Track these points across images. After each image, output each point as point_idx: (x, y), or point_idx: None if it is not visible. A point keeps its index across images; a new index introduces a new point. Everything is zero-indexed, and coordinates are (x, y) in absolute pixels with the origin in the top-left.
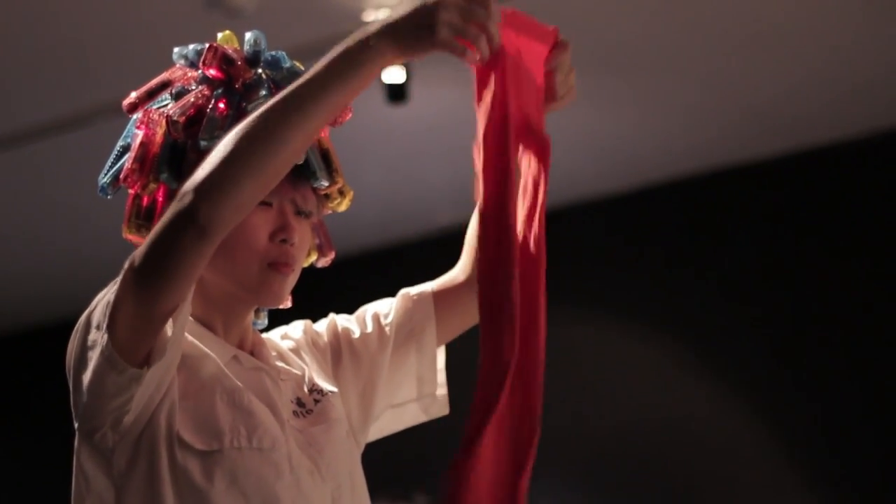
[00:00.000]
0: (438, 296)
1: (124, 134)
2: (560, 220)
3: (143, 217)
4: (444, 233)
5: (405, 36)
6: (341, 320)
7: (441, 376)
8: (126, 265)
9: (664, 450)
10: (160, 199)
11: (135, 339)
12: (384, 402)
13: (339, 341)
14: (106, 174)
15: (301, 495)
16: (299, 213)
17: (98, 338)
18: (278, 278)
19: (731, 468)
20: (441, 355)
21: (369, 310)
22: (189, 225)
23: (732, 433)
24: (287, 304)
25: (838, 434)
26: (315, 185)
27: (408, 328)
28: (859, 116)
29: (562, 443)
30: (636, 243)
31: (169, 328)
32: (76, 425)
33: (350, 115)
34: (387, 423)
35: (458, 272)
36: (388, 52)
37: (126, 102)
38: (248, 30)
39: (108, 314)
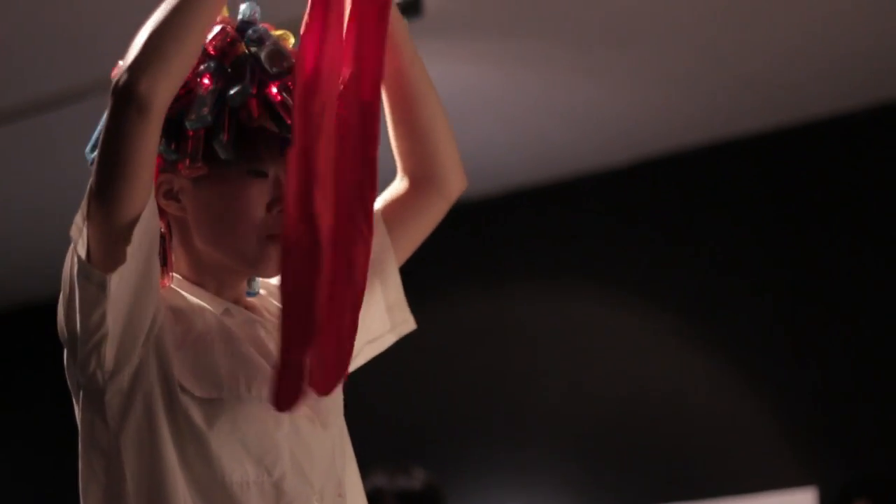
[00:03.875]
0: (388, 215)
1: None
2: (555, 194)
3: None
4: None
5: None
6: None
7: None
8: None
9: (662, 423)
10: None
11: (104, 255)
12: (360, 340)
13: None
14: (95, 146)
15: (301, 444)
16: None
17: (75, 259)
18: (277, 249)
19: (729, 441)
20: None
21: None
22: (130, 103)
23: (730, 406)
24: None
25: (837, 406)
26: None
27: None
28: (857, 87)
29: (559, 417)
30: (633, 217)
31: (134, 239)
32: (72, 374)
33: None
34: (366, 355)
35: (399, 180)
36: None
37: (115, 72)
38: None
39: (82, 232)
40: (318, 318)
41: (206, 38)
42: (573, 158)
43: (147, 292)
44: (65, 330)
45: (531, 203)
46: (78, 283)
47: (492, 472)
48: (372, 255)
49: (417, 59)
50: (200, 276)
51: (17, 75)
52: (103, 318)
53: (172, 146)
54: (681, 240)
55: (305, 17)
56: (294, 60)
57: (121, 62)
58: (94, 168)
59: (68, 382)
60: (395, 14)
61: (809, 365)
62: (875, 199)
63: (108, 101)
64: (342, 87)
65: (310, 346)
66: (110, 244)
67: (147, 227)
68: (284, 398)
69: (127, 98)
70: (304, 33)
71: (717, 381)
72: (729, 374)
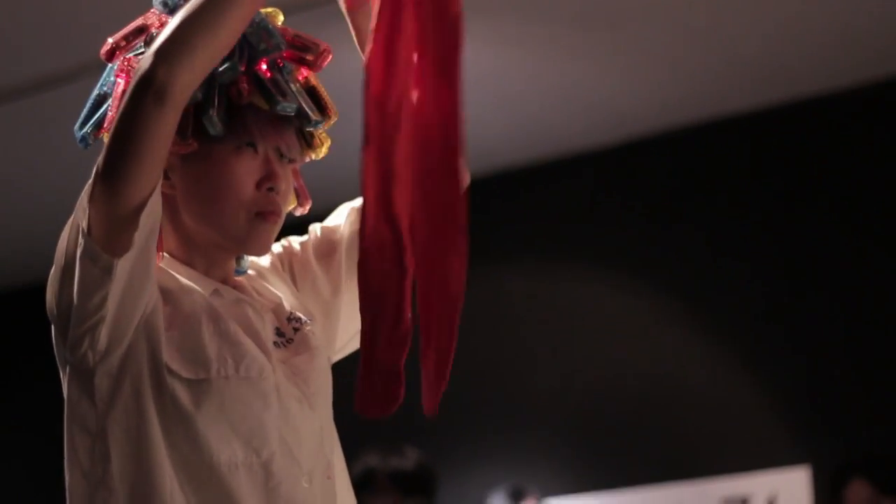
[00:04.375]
0: None
1: (100, 82)
2: (547, 174)
3: None
4: None
5: None
6: (309, 239)
7: None
8: (98, 161)
9: (655, 403)
10: None
11: (108, 237)
12: (349, 331)
13: (300, 262)
14: (85, 124)
15: (289, 425)
16: (283, 159)
17: (76, 238)
18: (266, 227)
19: (722, 421)
20: None
21: (321, 230)
22: (148, 89)
23: (723, 386)
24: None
25: (828, 388)
26: (308, 126)
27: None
28: (848, 66)
29: (552, 398)
30: (624, 197)
31: (140, 225)
32: (61, 354)
33: (330, 58)
34: (354, 345)
35: None
36: None
37: (103, 50)
38: None
39: (86, 212)
40: (405, 322)
41: (237, 37)
42: (564, 138)
43: (145, 276)
44: (55, 308)
45: (521, 183)
46: (80, 264)
47: (484, 452)
48: (352, 245)
49: None
50: (189, 255)
51: (12, 55)
52: (104, 301)
53: None
54: (673, 219)
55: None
56: (302, 40)
57: (110, 39)
58: (104, 148)
59: (56, 358)
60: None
61: (803, 343)
62: (868, 178)
63: (131, 82)
64: (419, 93)
65: (401, 350)
66: (115, 227)
67: (151, 211)
68: (374, 404)
69: (146, 84)
70: (374, 29)
71: (710, 360)
72: (722, 354)
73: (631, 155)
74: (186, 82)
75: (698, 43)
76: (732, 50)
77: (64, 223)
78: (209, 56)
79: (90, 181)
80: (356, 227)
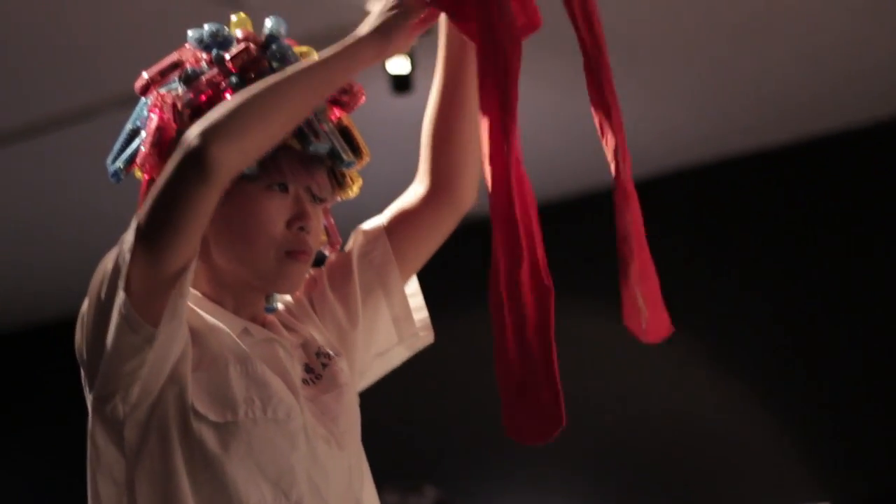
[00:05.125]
0: (394, 229)
1: (133, 117)
2: (566, 211)
3: None
4: (459, 225)
5: (383, 24)
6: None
7: (416, 303)
8: (133, 223)
9: (675, 439)
10: None
11: (147, 300)
12: (368, 353)
13: (318, 294)
14: (117, 158)
15: (317, 466)
16: (314, 199)
17: (113, 299)
18: (296, 266)
19: (743, 456)
20: (412, 283)
21: (333, 260)
22: (194, 167)
23: (743, 421)
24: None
25: (850, 429)
26: (340, 167)
27: (370, 274)
28: (870, 103)
29: (570, 434)
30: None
31: (180, 289)
32: (89, 399)
33: (363, 99)
34: (376, 371)
35: (417, 185)
36: (371, 45)
37: (138, 84)
38: (253, 18)
39: (123, 274)
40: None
41: (295, 125)
42: (584, 174)
43: (179, 330)
44: (84, 354)
45: (542, 219)
46: (118, 329)
47: (502, 490)
48: (375, 266)
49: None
50: (219, 293)
51: (27, 94)
52: (140, 366)
53: None
54: (693, 255)
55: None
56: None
57: (144, 73)
58: (144, 208)
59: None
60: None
61: (823, 379)
62: (891, 212)
63: (176, 155)
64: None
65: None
66: (155, 290)
67: (188, 280)
68: (532, 427)
69: (194, 161)
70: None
71: (730, 396)
72: (742, 390)
73: (650, 191)
74: (237, 165)
75: (719, 79)
76: (753, 86)
77: (82, 262)
78: (264, 143)
79: (131, 235)
80: (365, 248)
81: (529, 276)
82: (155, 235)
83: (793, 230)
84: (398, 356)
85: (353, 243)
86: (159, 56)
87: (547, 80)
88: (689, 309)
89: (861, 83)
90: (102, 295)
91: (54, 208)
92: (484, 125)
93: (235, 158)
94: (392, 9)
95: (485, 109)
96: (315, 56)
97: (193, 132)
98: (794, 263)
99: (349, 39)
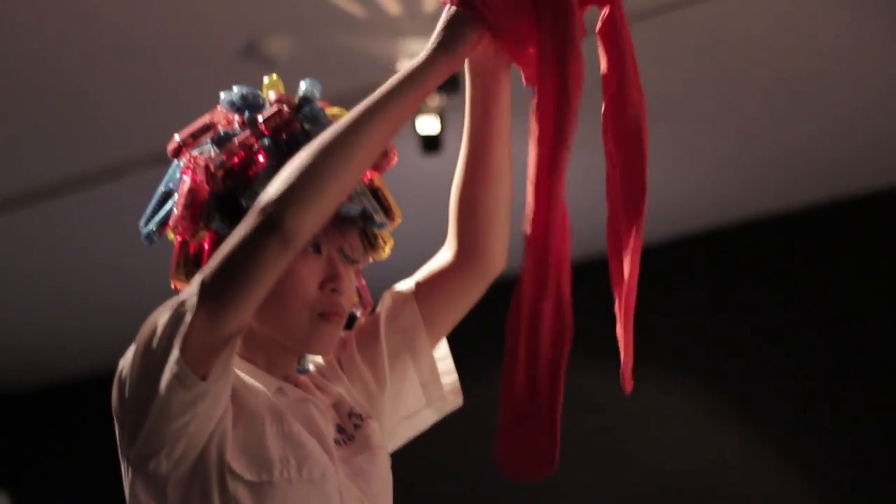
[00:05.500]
0: (423, 293)
1: (166, 179)
2: (592, 270)
3: (192, 264)
4: None
5: (446, 40)
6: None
7: (445, 366)
8: (196, 285)
9: (698, 498)
10: (207, 246)
11: (200, 357)
12: (396, 415)
13: (347, 356)
14: (150, 220)
15: None
16: (346, 260)
17: (167, 357)
18: (329, 328)
19: None
20: (442, 346)
21: (363, 324)
22: (274, 235)
23: (764, 482)
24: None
25: (871, 483)
26: (372, 228)
27: (397, 338)
28: (893, 164)
29: (593, 495)
30: (670, 292)
31: (232, 347)
32: (128, 457)
33: (395, 160)
34: (404, 433)
35: (446, 250)
36: (440, 58)
37: (170, 147)
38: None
39: (181, 332)
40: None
41: (371, 164)
42: (587, 235)
43: (227, 387)
44: (127, 414)
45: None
46: (169, 386)
47: None
48: (403, 330)
49: (510, 141)
50: (252, 353)
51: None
52: (189, 423)
53: (227, 222)
54: (718, 315)
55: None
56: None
57: (176, 136)
58: (212, 271)
59: (119, 454)
60: (506, 92)
61: (845, 439)
62: None
63: (249, 223)
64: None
65: (557, 401)
66: (211, 350)
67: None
68: (525, 463)
69: (274, 228)
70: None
71: (753, 454)
72: (765, 447)
73: (677, 250)
74: (312, 225)
75: (746, 140)
76: (779, 148)
77: (105, 321)
78: (338, 197)
79: (194, 295)
80: (393, 312)
81: (552, 310)
82: (223, 296)
83: (818, 291)
84: (426, 419)
85: (382, 307)
86: (185, 115)
87: (575, 141)
88: (714, 368)
89: (888, 144)
90: (153, 353)
91: (78, 267)
92: (533, 149)
93: (314, 221)
94: (449, 22)
95: (539, 134)
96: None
97: (266, 201)
98: (819, 323)
99: (415, 62)
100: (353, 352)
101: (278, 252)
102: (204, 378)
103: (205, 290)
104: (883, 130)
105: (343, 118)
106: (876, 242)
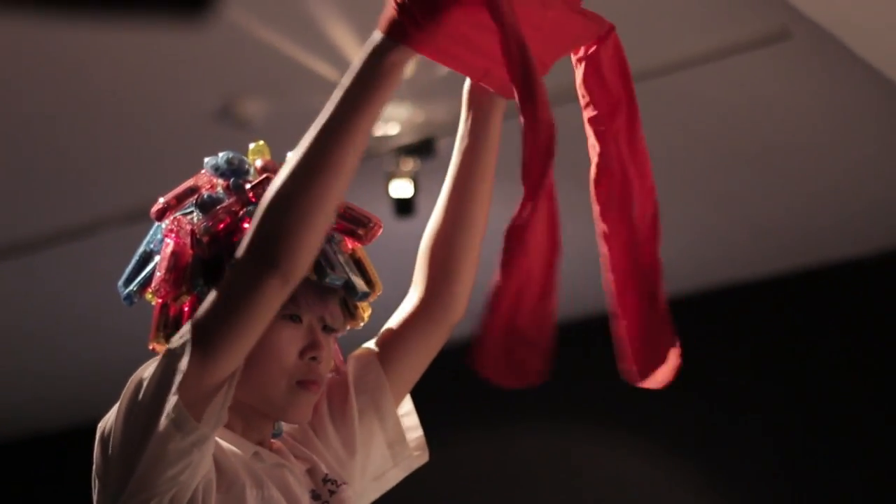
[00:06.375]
0: (385, 349)
1: (146, 240)
2: (565, 335)
3: (172, 327)
4: (455, 345)
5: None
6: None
7: (410, 422)
8: (187, 330)
9: None
10: (187, 309)
11: (196, 403)
12: (365, 478)
13: (317, 418)
14: (130, 282)
15: None
16: (326, 329)
17: (162, 406)
18: (306, 396)
19: None
20: (407, 402)
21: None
22: (271, 272)
23: None
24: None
25: None
26: (354, 299)
27: (364, 399)
28: (868, 235)
29: None
30: None
31: (228, 390)
32: None
33: (380, 231)
34: (371, 494)
35: (412, 294)
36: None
37: (155, 209)
38: (256, 141)
39: (178, 377)
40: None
41: (341, 198)
42: (584, 300)
43: (213, 444)
44: (113, 467)
45: (572, 341)
46: (164, 433)
47: None
48: (368, 391)
49: (493, 180)
50: (229, 417)
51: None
52: (184, 470)
53: (211, 287)
54: (691, 382)
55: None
56: (353, 213)
57: (161, 199)
58: (207, 316)
59: None
60: (496, 130)
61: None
62: (888, 342)
63: (243, 266)
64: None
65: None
66: (205, 396)
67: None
68: (509, 373)
69: (270, 268)
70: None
71: None
72: None
73: None
74: (309, 256)
75: (719, 209)
76: (755, 218)
77: (83, 373)
78: (323, 224)
79: (188, 343)
80: (359, 373)
81: (546, 227)
82: (217, 337)
83: (792, 359)
84: (393, 478)
85: (348, 371)
86: (160, 174)
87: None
88: (687, 436)
89: (863, 215)
90: (142, 404)
91: (56, 320)
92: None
93: (309, 255)
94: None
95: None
96: None
97: (262, 235)
98: (795, 393)
99: (356, 64)
100: (325, 418)
101: (279, 289)
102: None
103: (198, 332)
104: (858, 202)
105: (307, 141)
106: (850, 313)
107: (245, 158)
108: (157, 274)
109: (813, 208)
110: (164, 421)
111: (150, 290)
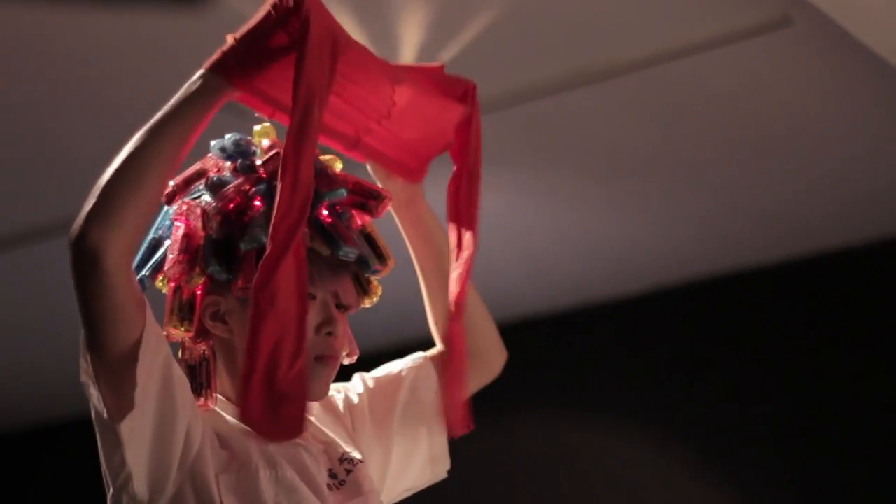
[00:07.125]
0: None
1: (155, 225)
2: (569, 323)
3: (186, 310)
4: None
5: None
6: (365, 389)
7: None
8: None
9: None
10: (200, 291)
11: (110, 395)
12: (396, 489)
13: (359, 417)
14: (141, 268)
15: None
16: (339, 306)
17: (92, 398)
18: (325, 371)
19: None
20: None
21: (376, 386)
22: (80, 256)
23: None
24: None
25: None
26: (366, 272)
27: (414, 410)
28: (870, 223)
29: None
30: (646, 347)
31: (139, 383)
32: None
33: (390, 204)
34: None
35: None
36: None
37: (164, 193)
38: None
39: (86, 370)
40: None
41: (165, 187)
42: (587, 287)
43: (171, 426)
44: (102, 463)
45: (544, 332)
46: (97, 425)
47: None
48: (421, 400)
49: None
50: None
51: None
52: (123, 462)
53: (224, 267)
54: (694, 370)
55: None
56: (362, 187)
57: (171, 182)
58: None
59: None
60: (426, 213)
61: (816, 496)
62: (889, 332)
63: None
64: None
65: (302, 381)
66: (117, 388)
67: (151, 366)
68: (278, 427)
69: (78, 251)
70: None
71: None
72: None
73: (653, 305)
74: (119, 242)
75: (722, 197)
76: (756, 204)
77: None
78: (139, 211)
79: (81, 348)
80: (415, 385)
81: (294, 286)
82: (88, 336)
83: (792, 347)
84: (421, 486)
85: (405, 376)
86: None
87: (554, 196)
88: (689, 423)
89: (865, 203)
90: (88, 396)
91: (55, 309)
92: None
93: (116, 236)
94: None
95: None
96: (339, 164)
97: (74, 226)
98: (795, 380)
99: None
100: (366, 417)
101: (93, 273)
102: (122, 417)
103: (83, 333)
104: (859, 190)
105: (135, 140)
106: (850, 300)
107: (252, 140)
108: (170, 256)
109: (815, 195)
110: (97, 416)
111: (162, 274)
